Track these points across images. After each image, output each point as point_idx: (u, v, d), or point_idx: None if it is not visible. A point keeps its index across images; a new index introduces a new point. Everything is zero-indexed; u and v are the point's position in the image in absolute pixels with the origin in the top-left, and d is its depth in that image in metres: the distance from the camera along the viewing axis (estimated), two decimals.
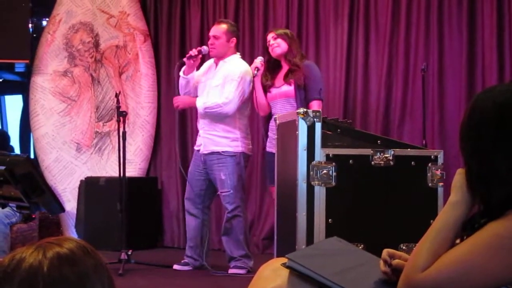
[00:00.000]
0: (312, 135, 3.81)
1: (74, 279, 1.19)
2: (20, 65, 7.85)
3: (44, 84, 7.44)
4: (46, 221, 6.72)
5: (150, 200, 7.07)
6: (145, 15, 7.42)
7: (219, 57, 5.58)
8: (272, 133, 5.11)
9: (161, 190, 7.32)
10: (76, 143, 7.39)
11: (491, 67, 5.93)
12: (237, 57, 5.63)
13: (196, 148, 5.64)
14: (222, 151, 5.44)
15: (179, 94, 5.68)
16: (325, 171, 3.79)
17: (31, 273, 1.18)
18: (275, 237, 4.31)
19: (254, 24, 6.97)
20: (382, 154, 3.87)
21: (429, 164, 3.89)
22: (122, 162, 5.67)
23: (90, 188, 6.95)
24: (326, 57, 6.59)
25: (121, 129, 5.69)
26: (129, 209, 5.89)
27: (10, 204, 4.18)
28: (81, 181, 7.11)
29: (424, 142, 5.61)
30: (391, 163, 3.87)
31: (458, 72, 6.07)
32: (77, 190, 7.15)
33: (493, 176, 1.63)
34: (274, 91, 5.35)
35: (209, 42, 5.60)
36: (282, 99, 5.31)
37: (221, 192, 5.46)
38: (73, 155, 7.38)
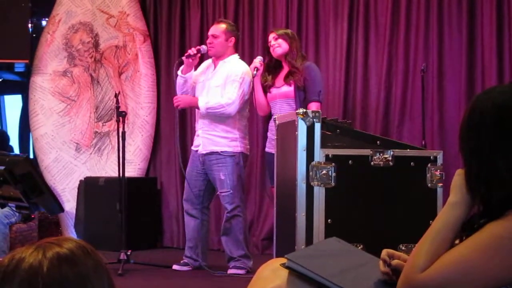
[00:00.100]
0: (312, 135, 3.81)
1: (73, 279, 1.19)
2: (19, 65, 7.85)
3: (43, 84, 7.44)
4: (46, 221, 6.72)
5: (149, 201, 7.07)
6: (145, 15, 7.42)
7: (218, 57, 5.58)
8: (272, 134, 5.11)
9: (161, 190, 7.32)
10: (75, 143, 7.39)
11: (490, 68, 5.93)
12: (236, 57, 5.63)
13: (194, 148, 5.63)
14: (221, 151, 5.44)
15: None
16: (324, 172, 3.79)
17: (31, 273, 1.18)
18: (275, 238, 4.31)
19: (253, 24, 6.97)
20: (381, 154, 3.87)
21: (429, 165, 3.89)
22: (122, 162, 5.67)
23: (90, 188, 6.95)
24: (326, 57, 6.59)
25: (121, 129, 5.68)
26: (128, 210, 5.89)
27: (10, 204, 4.18)
28: (81, 181, 7.11)
29: (423, 142, 5.61)
30: (391, 163, 3.87)
31: (458, 72, 6.07)
32: (76, 190, 7.14)
33: (493, 176, 1.63)
34: (274, 91, 5.35)
35: (208, 41, 5.60)
36: (281, 99, 5.31)
37: (221, 192, 5.46)
38: (72, 155, 7.38)
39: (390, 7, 6.29)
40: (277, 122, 4.38)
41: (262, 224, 6.75)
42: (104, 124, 7.37)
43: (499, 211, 1.61)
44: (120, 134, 5.69)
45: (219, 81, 5.48)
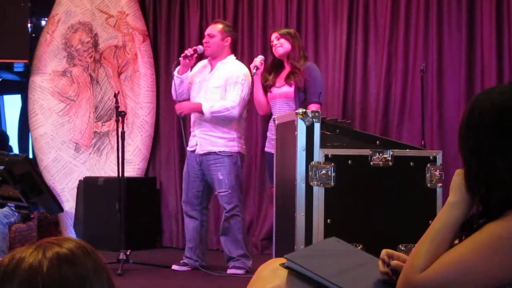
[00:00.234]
0: (311, 135, 3.81)
1: (73, 279, 1.19)
2: (19, 65, 7.85)
3: (43, 84, 7.44)
4: (45, 221, 6.73)
5: (148, 200, 7.07)
6: (144, 15, 7.42)
7: (214, 57, 5.58)
8: (271, 134, 5.11)
9: (160, 190, 7.32)
10: (75, 143, 7.39)
11: (490, 67, 5.93)
12: (233, 58, 5.64)
13: (190, 149, 5.61)
14: (219, 151, 5.44)
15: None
16: (324, 172, 3.79)
17: (31, 273, 1.18)
18: (274, 238, 4.31)
19: (253, 25, 6.97)
20: (381, 154, 3.87)
21: (428, 165, 3.89)
22: (121, 162, 5.67)
23: (89, 188, 6.95)
24: (325, 58, 6.60)
25: (120, 129, 5.69)
26: (127, 209, 5.89)
27: (9, 204, 4.18)
28: (80, 181, 7.11)
29: (423, 142, 5.61)
30: (390, 163, 3.87)
31: (457, 72, 6.07)
32: (75, 190, 7.15)
33: (492, 176, 1.63)
34: (274, 91, 5.34)
35: (204, 41, 5.61)
36: (281, 99, 5.30)
37: (219, 192, 5.46)
38: (71, 155, 7.38)
39: (390, 7, 6.29)
40: (276, 122, 4.38)
41: (262, 224, 6.75)
42: (103, 124, 7.37)
43: (499, 211, 1.61)
44: (120, 134, 5.69)
45: (218, 82, 5.48)
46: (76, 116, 7.41)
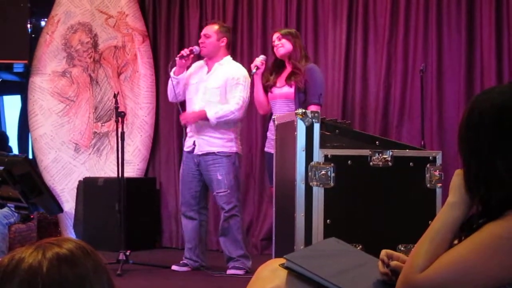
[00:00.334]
0: (311, 135, 3.81)
1: (73, 279, 1.19)
2: (18, 66, 7.85)
3: (42, 84, 7.44)
4: (45, 222, 6.72)
5: (148, 201, 7.07)
6: (144, 16, 7.42)
7: (210, 57, 5.59)
8: (271, 134, 5.11)
9: (160, 191, 7.32)
10: (74, 144, 7.39)
11: (489, 68, 5.93)
12: (230, 59, 5.65)
13: (186, 149, 5.60)
14: (218, 152, 5.45)
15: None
16: (323, 172, 3.79)
17: (31, 273, 1.18)
18: (274, 238, 4.31)
19: (252, 25, 6.97)
20: (380, 155, 3.87)
21: (428, 165, 3.89)
22: (121, 163, 5.67)
23: (89, 188, 6.95)
24: (325, 58, 6.60)
25: (120, 130, 5.69)
26: (127, 210, 5.89)
27: (9, 205, 4.18)
28: (80, 181, 7.11)
29: (422, 142, 5.61)
30: (390, 164, 3.87)
31: (457, 72, 6.07)
32: (75, 190, 7.15)
33: (492, 177, 1.63)
34: (275, 91, 5.34)
35: (200, 41, 5.62)
36: (281, 99, 5.30)
37: (218, 192, 5.46)
38: (71, 155, 7.38)
39: (389, 7, 6.29)
40: (276, 122, 4.38)
41: (261, 225, 6.75)
42: (103, 124, 7.37)
43: (498, 211, 1.61)
44: (119, 135, 5.69)
45: (218, 83, 5.49)
46: (75, 117, 7.41)
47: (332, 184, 3.80)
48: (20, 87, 8.18)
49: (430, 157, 3.92)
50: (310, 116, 3.81)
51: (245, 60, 6.82)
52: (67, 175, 7.34)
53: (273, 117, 4.79)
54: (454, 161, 5.53)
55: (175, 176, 7.16)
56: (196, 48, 5.59)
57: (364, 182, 3.88)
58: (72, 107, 7.42)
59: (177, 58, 5.55)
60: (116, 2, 7.33)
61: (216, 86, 5.49)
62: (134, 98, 7.26)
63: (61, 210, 4.24)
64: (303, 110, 3.84)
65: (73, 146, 7.39)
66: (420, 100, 5.84)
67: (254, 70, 5.34)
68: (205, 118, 5.41)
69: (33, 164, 6.11)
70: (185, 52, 5.54)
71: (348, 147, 3.91)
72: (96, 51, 7.41)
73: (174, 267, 5.60)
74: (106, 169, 7.22)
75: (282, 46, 5.33)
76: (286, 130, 4.08)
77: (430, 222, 1.76)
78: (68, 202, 7.21)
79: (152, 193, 7.17)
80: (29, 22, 7.44)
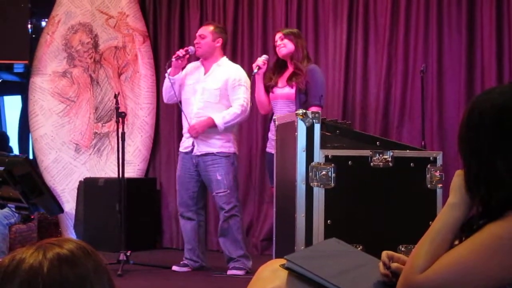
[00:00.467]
0: (311, 136, 3.81)
1: (74, 280, 1.19)
2: (19, 66, 7.85)
3: (43, 84, 7.44)
4: (45, 222, 6.72)
5: (149, 201, 7.07)
6: (144, 16, 7.42)
7: (206, 58, 5.59)
8: (272, 134, 5.11)
9: (160, 191, 7.32)
10: (75, 144, 7.39)
11: (490, 68, 5.93)
12: (227, 60, 5.66)
13: (184, 150, 5.59)
14: (217, 152, 5.45)
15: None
16: (324, 172, 3.79)
17: (31, 273, 1.18)
18: (274, 238, 4.31)
19: (253, 25, 6.97)
20: (381, 155, 3.87)
21: (428, 166, 3.89)
22: (121, 163, 5.67)
23: (89, 189, 6.95)
24: (325, 58, 6.59)
25: (120, 130, 5.69)
26: (128, 210, 5.89)
27: (9, 205, 4.18)
28: (80, 181, 7.11)
29: (423, 143, 5.61)
30: (390, 164, 3.87)
31: (457, 73, 6.07)
32: (76, 191, 7.14)
33: (492, 177, 1.63)
34: (276, 91, 5.34)
35: (195, 42, 5.62)
36: (282, 100, 5.30)
37: (217, 193, 5.46)
38: (72, 155, 7.38)
39: (390, 7, 6.29)
40: (276, 122, 4.38)
41: (262, 225, 6.75)
42: (103, 124, 7.37)
43: (499, 212, 1.61)
44: (120, 135, 5.69)
45: (217, 84, 5.49)
46: (76, 117, 7.41)
47: (332, 184, 3.80)
48: (21, 87, 8.18)
49: (431, 158, 3.92)
50: (310, 116, 3.81)
51: (246, 61, 6.82)
52: (68, 176, 7.34)
53: (273, 117, 4.79)
54: (454, 161, 5.53)
55: (175, 177, 7.15)
56: (191, 49, 5.59)
57: (364, 183, 3.88)
58: (72, 107, 7.43)
59: (173, 59, 5.55)
60: (117, 3, 7.33)
61: (215, 87, 5.49)
62: (135, 99, 7.26)
63: (61, 210, 4.24)
64: (304, 111, 3.85)
65: (73, 147, 7.39)
66: (421, 100, 5.84)
67: (255, 70, 5.33)
68: (214, 126, 5.40)
69: (34, 164, 6.11)
70: (180, 52, 5.54)
71: (348, 147, 3.91)
72: (97, 52, 7.41)
73: (174, 268, 5.60)
74: (107, 169, 7.22)
75: (284, 46, 5.32)
76: (287, 131, 4.08)
77: (430, 222, 1.76)
78: (69, 203, 7.21)
79: (153, 194, 7.17)
80: (29, 23, 7.45)
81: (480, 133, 1.65)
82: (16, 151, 7.86)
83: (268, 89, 5.39)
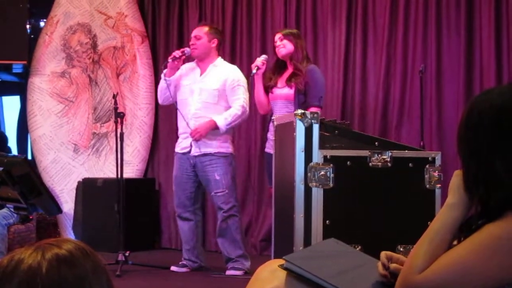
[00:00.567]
0: (310, 136, 3.81)
1: (72, 280, 1.19)
2: (17, 66, 7.85)
3: (41, 85, 7.44)
4: (44, 222, 6.72)
5: (147, 201, 7.07)
6: (143, 16, 7.42)
7: (201, 59, 5.58)
8: (271, 134, 5.11)
9: (159, 191, 7.32)
10: (73, 144, 7.39)
11: (489, 69, 5.93)
12: (223, 60, 5.67)
13: (181, 151, 5.58)
14: (215, 152, 5.46)
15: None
16: (322, 173, 3.79)
17: (30, 274, 1.18)
18: (273, 239, 4.31)
19: (251, 26, 6.97)
20: (379, 155, 3.87)
21: (427, 166, 3.89)
22: (120, 163, 5.67)
23: (88, 189, 6.95)
24: (324, 59, 6.59)
25: (119, 130, 5.69)
26: (126, 210, 5.89)
27: (8, 205, 4.18)
28: (79, 182, 7.11)
29: (422, 143, 5.61)
30: (389, 164, 3.87)
31: (456, 73, 6.07)
32: (74, 191, 7.14)
33: (491, 177, 1.63)
34: (276, 91, 5.34)
35: (191, 43, 5.61)
36: (282, 100, 5.30)
37: (216, 193, 5.46)
38: (70, 156, 7.38)
39: (388, 8, 6.29)
40: (275, 123, 4.38)
41: (261, 225, 6.75)
42: (102, 125, 7.36)
43: (497, 212, 1.61)
44: (118, 135, 5.69)
45: (216, 85, 5.49)
46: (75, 117, 7.41)
47: (331, 185, 3.80)
48: (19, 87, 8.18)
49: (429, 158, 3.92)
50: (309, 117, 3.81)
51: (244, 61, 6.82)
52: (66, 176, 7.34)
53: (272, 118, 4.79)
54: (453, 161, 5.53)
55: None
56: (187, 50, 5.59)
57: (363, 183, 3.88)
58: (71, 107, 7.42)
59: (169, 60, 5.55)
60: (115, 3, 7.33)
61: (213, 87, 5.49)
62: (133, 99, 7.26)
63: (60, 211, 4.24)
64: (302, 111, 3.84)
65: (72, 147, 7.38)
66: (420, 100, 5.84)
67: (254, 71, 5.33)
68: (216, 128, 5.41)
69: (32, 164, 6.12)
70: (177, 54, 5.54)
71: (347, 147, 3.91)
72: (95, 52, 7.41)
73: (173, 268, 5.60)
74: (105, 169, 7.21)
75: (284, 46, 5.32)
76: (285, 131, 4.08)
77: (429, 223, 1.76)
78: (67, 203, 7.20)
79: (151, 194, 7.17)
80: (28, 23, 7.44)
81: (479, 133, 1.65)
82: (14, 151, 7.85)
83: (267, 90, 5.39)
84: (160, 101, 5.82)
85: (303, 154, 3.80)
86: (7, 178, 3.66)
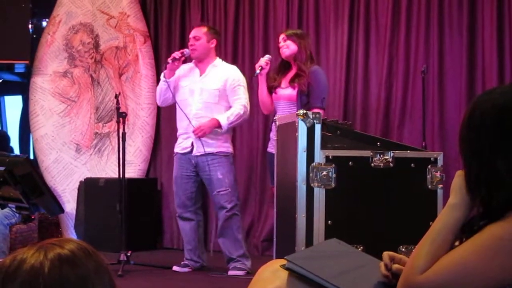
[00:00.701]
0: (312, 136, 3.81)
1: (74, 280, 1.19)
2: (20, 66, 7.86)
3: (44, 84, 7.44)
4: (46, 222, 6.72)
5: (149, 201, 7.07)
6: (145, 16, 7.42)
7: (200, 60, 5.58)
8: (273, 134, 5.11)
9: (161, 191, 7.32)
10: (75, 144, 7.39)
11: (491, 69, 5.92)
12: (221, 61, 5.67)
13: (181, 151, 5.58)
14: (217, 152, 5.47)
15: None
16: (324, 173, 3.79)
17: (32, 274, 1.18)
18: (275, 239, 4.31)
19: (254, 26, 6.97)
20: (381, 156, 3.87)
21: (429, 166, 3.89)
22: (122, 163, 5.67)
23: (90, 189, 6.95)
24: (326, 59, 6.59)
25: (121, 130, 5.69)
26: (128, 210, 5.89)
27: (10, 205, 4.18)
28: (81, 182, 7.11)
29: (424, 144, 5.60)
30: (391, 165, 3.87)
31: (458, 73, 6.07)
32: (76, 191, 7.15)
33: (493, 177, 1.63)
34: (279, 91, 5.34)
35: (189, 43, 5.61)
36: (284, 101, 5.30)
37: (219, 191, 5.46)
38: (72, 156, 7.38)
39: (391, 8, 6.28)
40: (277, 123, 4.38)
41: (262, 225, 6.75)
42: (104, 125, 7.37)
43: (499, 212, 1.61)
44: (120, 135, 5.69)
45: (216, 85, 5.49)
46: (77, 117, 7.41)
47: (333, 185, 3.80)
48: (21, 87, 8.18)
49: (431, 158, 3.92)
50: (311, 117, 3.81)
51: (247, 61, 6.82)
52: (68, 176, 7.34)
53: (274, 118, 4.79)
54: (455, 162, 5.53)
55: None
56: (186, 51, 5.59)
57: (365, 183, 3.89)
58: (73, 107, 7.43)
59: (169, 61, 5.55)
60: (118, 3, 7.33)
61: (214, 87, 5.49)
62: (136, 99, 7.26)
63: (62, 210, 4.25)
64: (304, 111, 3.84)
65: (74, 147, 7.39)
66: (422, 101, 5.83)
67: (258, 71, 5.33)
68: (219, 126, 5.42)
69: (34, 164, 6.12)
70: (176, 55, 5.54)
71: (349, 148, 3.92)
72: (98, 52, 7.41)
73: (175, 268, 5.60)
74: (107, 169, 7.22)
75: (287, 47, 5.31)
76: (288, 131, 4.08)
77: (431, 223, 1.76)
78: (69, 203, 7.21)
79: (153, 194, 7.18)
80: (30, 23, 7.45)
81: (481, 134, 1.65)
82: (16, 151, 7.86)
83: (271, 90, 5.39)
84: (159, 103, 5.83)
85: (305, 154, 3.80)
86: (9, 177, 3.67)
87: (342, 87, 6.46)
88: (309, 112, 3.85)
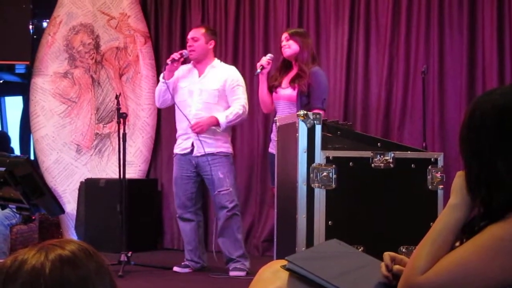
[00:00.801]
0: (312, 137, 3.81)
1: (75, 281, 1.20)
2: (20, 67, 7.86)
3: (44, 85, 7.44)
4: (46, 223, 6.72)
5: (150, 202, 7.07)
6: (146, 17, 7.42)
7: (198, 61, 5.59)
8: (274, 135, 5.11)
9: (161, 192, 7.32)
10: (76, 145, 7.39)
11: (491, 69, 5.92)
12: (219, 61, 5.68)
13: (181, 152, 5.58)
14: (217, 152, 5.48)
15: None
16: (325, 174, 3.79)
17: (33, 275, 1.18)
18: (275, 239, 4.31)
19: (254, 26, 6.97)
20: (382, 156, 3.87)
21: (429, 167, 3.89)
22: (122, 164, 5.67)
23: (90, 189, 6.95)
24: (327, 59, 6.59)
25: (121, 131, 5.69)
26: (129, 211, 5.89)
27: (10, 206, 4.18)
28: (81, 182, 7.11)
29: (424, 144, 5.60)
30: (391, 165, 3.87)
31: (459, 74, 6.07)
32: (77, 191, 7.15)
33: (493, 178, 1.63)
34: (279, 91, 5.33)
35: (188, 45, 5.61)
36: (284, 101, 5.29)
37: (220, 191, 5.46)
38: (73, 156, 7.38)
39: (391, 8, 6.29)
40: (277, 123, 4.38)
41: (263, 226, 6.75)
42: (104, 125, 7.37)
43: (500, 213, 1.61)
44: (121, 136, 5.69)
45: (216, 85, 5.50)
46: (77, 118, 7.42)
47: (333, 185, 3.80)
48: (22, 88, 8.19)
49: (432, 159, 3.91)
50: (311, 117, 3.81)
51: (247, 61, 6.83)
52: (69, 176, 7.35)
53: (275, 118, 4.79)
54: (455, 162, 5.53)
55: None
56: (185, 52, 5.59)
57: (365, 184, 3.88)
58: (74, 108, 7.43)
59: (168, 62, 5.55)
60: (118, 4, 7.34)
61: (214, 87, 5.50)
62: (136, 99, 7.27)
63: (62, 211, 4.25)
64: (305, 112, 3.84)
65: (74, 147, 7.39)
66: (422, 101, 5.83)
67: (259, 70, 5.32)
68: (217, 124, 5.42)
69: (35, 165, 6.12)
70: (176, 56, 5.54)
71: (349, 148, 3.91)
72: (98, 52, 7.41)
73: (175, 269, 5.61)
74: (108, 170, 7.22)
75: (289, 47, 5.30)
76: (288, 132, 4.08)
77: (431, 224, 1.76)
78: (70, 203, 7.21)
79: (154, 194, 7.18)
80: (31, 23, 7.45)
81: (481, 134, 1.65)
82: (17, 151, 7.86)
83: (271, 89, 5.38)
84: (157, 104, 5.83)
85: (305, 155, 3.80)
86: (10, 178, 3.67)
87: (342, 88, 6.47)
88: (310, 113, 3.85)
